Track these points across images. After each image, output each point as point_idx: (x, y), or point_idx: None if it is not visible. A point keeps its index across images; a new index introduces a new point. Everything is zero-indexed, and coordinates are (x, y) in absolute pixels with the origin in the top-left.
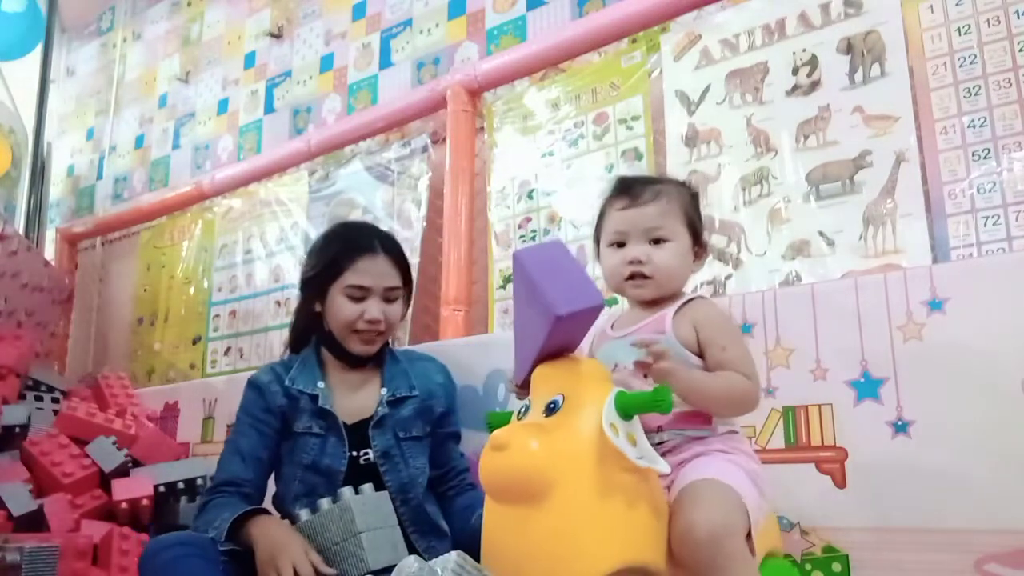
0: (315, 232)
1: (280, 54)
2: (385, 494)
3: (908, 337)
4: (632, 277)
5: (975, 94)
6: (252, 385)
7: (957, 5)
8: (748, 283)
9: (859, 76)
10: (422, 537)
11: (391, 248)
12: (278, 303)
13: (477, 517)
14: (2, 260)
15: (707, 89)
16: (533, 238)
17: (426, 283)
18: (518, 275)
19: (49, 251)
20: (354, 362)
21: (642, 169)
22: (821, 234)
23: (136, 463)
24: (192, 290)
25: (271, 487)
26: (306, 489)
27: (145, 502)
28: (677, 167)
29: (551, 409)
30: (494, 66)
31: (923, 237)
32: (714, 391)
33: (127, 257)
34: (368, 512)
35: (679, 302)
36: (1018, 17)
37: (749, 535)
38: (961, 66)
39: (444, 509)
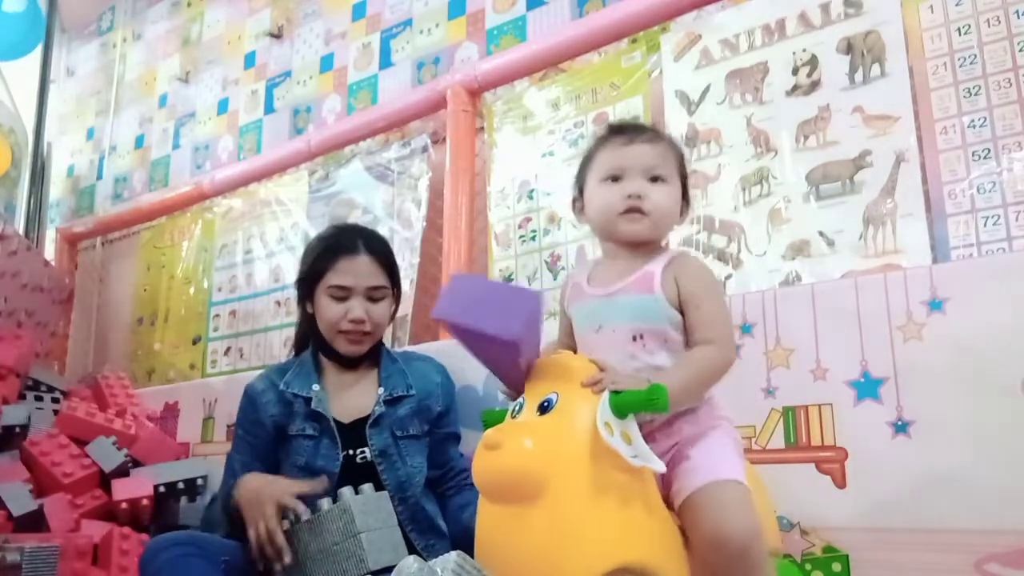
0: (315, 232)
1: (280, 54)
2: (385, 494)
3: (908, 337)
4: (629, 211)
5: (975, 94)
6: (246, 395)
7: (957, 5)
8: (748, 283)
9: (859, 76)
10: (420, 536)
11: (375, 248)
12: (278, 303)
13: (470, 515)
14: (2, 260)
15: (707, 89)
16: (533, 238)
17: (426, 283)
18: (452, 331)
19: (49, 251)
20: (348, 362)
21: None
22: (821, 234)
23: (136, 463)
24: (192, 290)
25: None
26: (278, 479)
27: (145, 502)
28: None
29: (545, 407)
30: (494, 66)
31: (923, 237)
32: (687, 385)
33: (127, 257)
34: (368, 512)
35: (666, 257)
36: (1018, 17)
37: None
38: (961, 66)
39: (442, 508)
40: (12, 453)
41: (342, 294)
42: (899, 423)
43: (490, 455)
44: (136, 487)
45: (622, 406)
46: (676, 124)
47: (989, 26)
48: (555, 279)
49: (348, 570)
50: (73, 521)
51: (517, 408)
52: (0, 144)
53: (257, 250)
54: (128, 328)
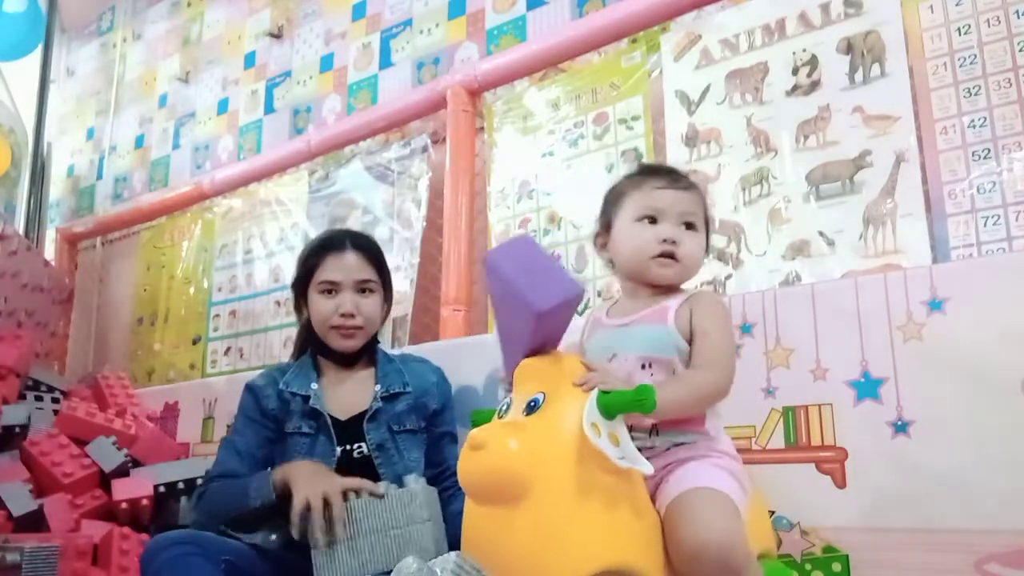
0: (315, 232)
1: (280, 54)
2: (434, 490)
3: (908, 337)
4: (662, 255)
5: (975, 94)
6: (248, 389)
7: (957, 5)
8: (748, 283)
9: (859, 76)
10: None
11: (362, 244)
12: (278, 303)
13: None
14: (2, 260)
15: (707, 89)
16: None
17: (426, 283)
18: (492, 277)
19: (49, 251)
20: (345, 361)
21: None
22: (821, 234)
23: (136, 463)
24: (192, 290)
25: None
26: (327, 469)
27: (145, 502)
28: (677, 167)
29: (531, 407)
30: (494, 66)
31: (923, 237)
32: (677, 398)
33: (127, 257)
34: (431, 503)
35: (684, 295)
36: (1018, 17)
37: None
38: (961, 66)
39: (442, 510)
40: (12, 453)
41: (332, 289)
42: (899, 423)
43: (475, 455)
44: (136, 487)
45: (610, 407)
46: (676, 124)
47: (989, 26)
48: None
49: (401, 556)
50: (73, 521)
51: (505, 408)
52: (0, 144)
53: (257, 250)
54: (128, 328)
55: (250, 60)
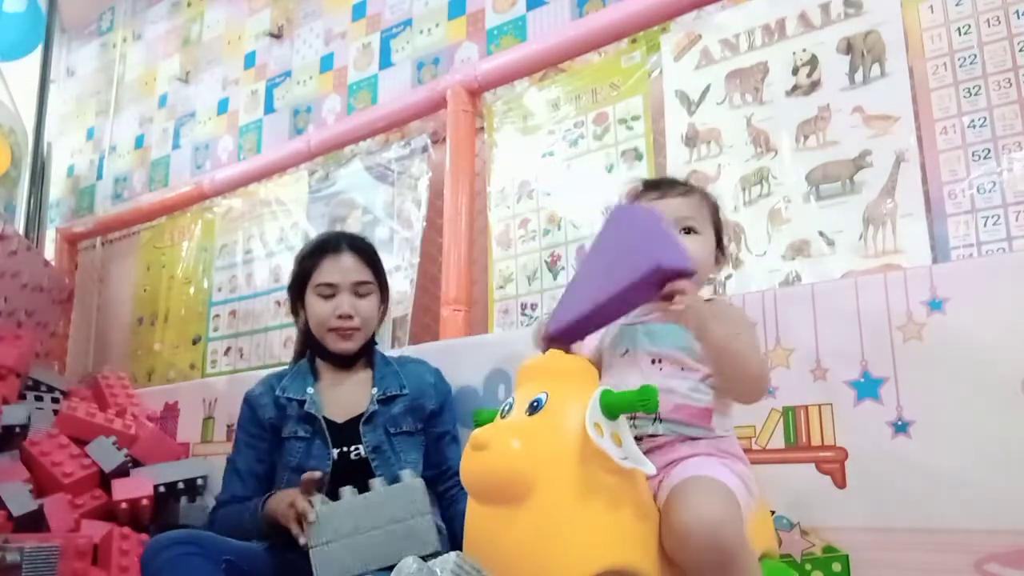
0: (315, 232)
1: (280, 54)
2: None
3: (908, 337)
4: None
5: (975, 94)
6: (245, 401)
7: (957, 5)
8: (748, 283)
9: (859, 76)
10: None
11: (358, 246)
12: (278, 303)
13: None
14: (2, 260)
15: (707, 89)
16: (533, 238)
17: (426, 283)
18: (616, 225)
19: (49, 251)
20: (341, 363)
21: (642, 169)
22: (821, 234)
23: (136, 463)
24: (192, 290)
25: None
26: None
27: (145, 502)
28: (677, 167)
29: (534, 407)
30: (494, 66)
31: (923, 237)
32: (737, 344)
33: (127, 257)
34: (429, 496)
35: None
36: (1018, 17)
37: None
38: (961, 66)
39: (444, 511)
40: (12, 453)
41: (329, 291)
42: (899, 423)
43: (477, 455)
44: (136, 487)
45: (612, 407)
46: (676, 124)
47: (989, 26)
48: (555, 279)
49: (408, 549)
50: (73, 521)
51: (507, 407)
52: (0, 144)
53: (257, 250)
54: (128, 328)
55: (250, 60)
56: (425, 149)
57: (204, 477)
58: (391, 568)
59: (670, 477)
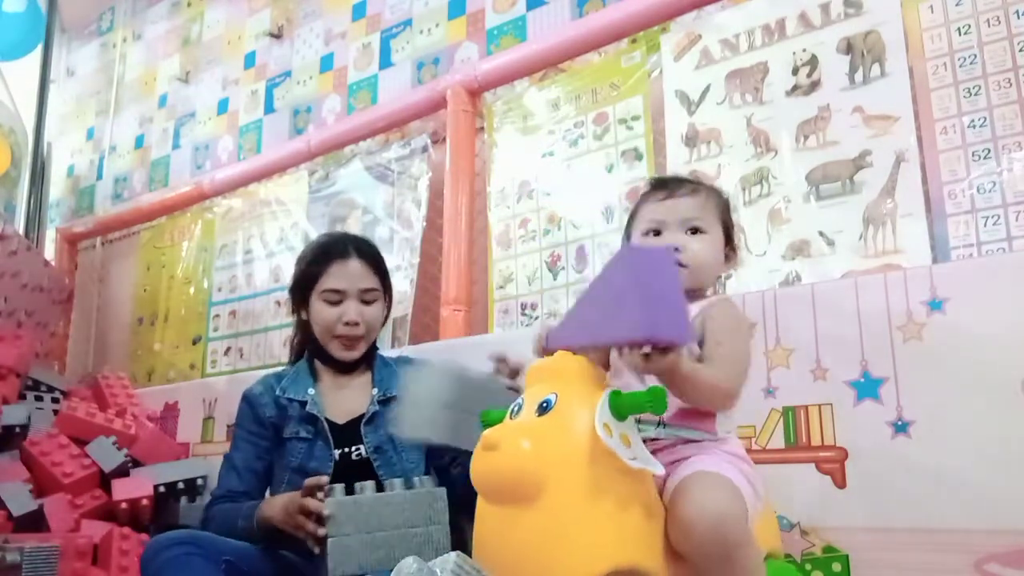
0: (315, 232)
1: (280, 54)
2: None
3: (908, 337)
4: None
5: (975, 94)
6: (245, 399)
7: (957, 5)
8: (748, 283)
9: (859, 76)
10: None
11: (365, 252)
12: (278, 303)
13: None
14: (2, 260)
15: (707, 89)
16: (533, 238)
17: (426, 283)
18: (633, 268)
19: (49, 251)
20: (343, 367)
21: (642, 169)
22: (821, 234)
23: (136, 463)
24: (192, 290)
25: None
26: (292, 490)
27: (145, 502)
28: (677, 167)
29: (544, 408)
30: (494, 66)
31: (923, 237)
32: (700, 384)
33: (127, 257)
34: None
35: (706, 302)
36: (1018, 17)
37: None
38: (961, 66)
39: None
40: (12, 453)
41: (336, 298)
42: (899, 423)
43: (488, 456)
44: (136, 487)
45: (621, 407)
46: (676, 124)
47: (989, 26)
48: (555, 279)
49: (422, 554)
50: (73, 521)
51: (516, 408)
52: (0, 144)
53: (257, 250)
54: (128, 328)
55: (250, 60)
56: (425, 149)
57: (204, 477)
58: (409, 482)
59: (676, 474)
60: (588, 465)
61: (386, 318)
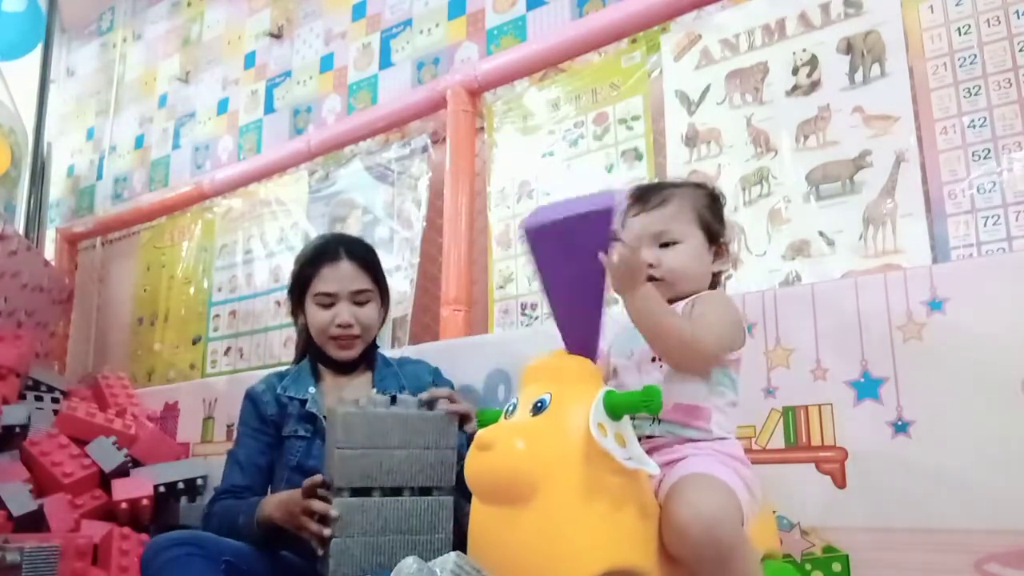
0: (315, 232)
1: (280, 54)
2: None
3: (908, 337)
4: (649, 280)
5: (975, 94)
6: (248, 397)
7: (957, 5)
8: (748, 283)
9: (859, 76)
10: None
11: (357, 253)
12: (278, 303)
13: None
14: (2, 260)
15: (707, 89)
16: None
17: (426, 283)
18: (544, 241)
19: (49, 251)
20: (343, 367)
21: (642, 169)
22: (821, 234)
23: (136, 463)
24: (192, 290)
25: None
26: (291, 489)
27: (145, 502)
28: (677, 167)
29: (538, 408)
30: (494, 66)
31: (923, 237)
32: (651, 311)
33: (127, 257)
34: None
35: (694, 297)
36: (1018, 17)
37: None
38: (961, 66)
39: None
40: (12, 453)
41: (328, 300)
42: (899, 423)
43: (482, 456)
44: (136, 487)
45: (616, 407)
46: (676, 124)
47: (989, 26)
48: None
49: (435, 476)
50: (73, 521)
51: (511, 408)
52: (0, 144)
53: (257, 250)
54: (128, 328)
55: (250, 60)
56: (425, 149)
57: (204, 477)
58: (417, 489)
59: (671, 475)
60: (582, 465)
61: (384, 317)
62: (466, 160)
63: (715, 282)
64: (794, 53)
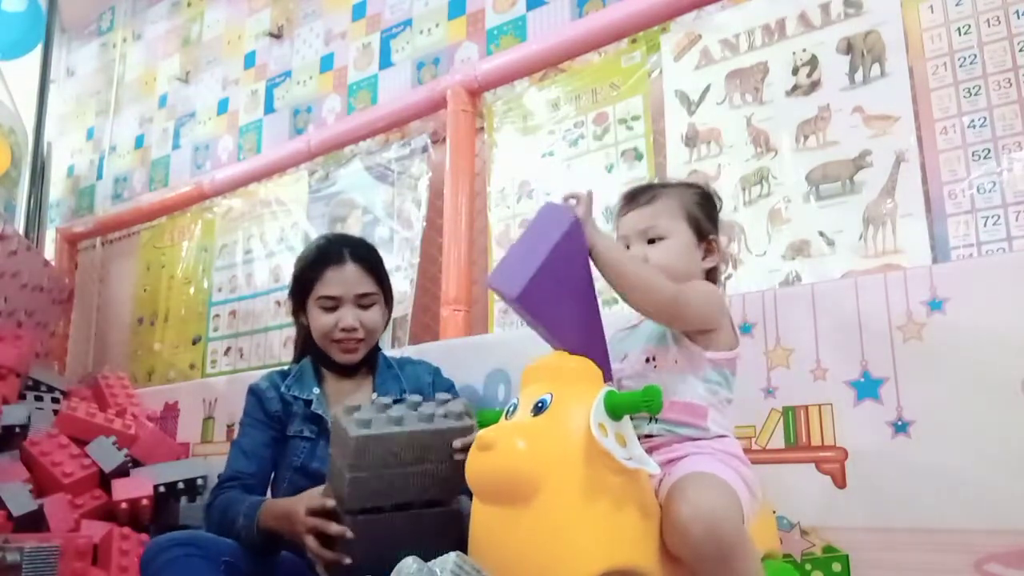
0: (315, 232)
1: (280, 54)
2: None
3: (908, 337)
4: None
5: (975, 94)
6: (252, 391)
7: (957, 5)
8: (748, 283)
9: (859, 76)
10: None
11: (361, 256)
12: (278, 303)
13: None
14: (2, 260)
15: (707, 89)
16: None
17: (426, 283)
18: (538, 218)
19: (49, 251)
20: (345, 370)
21: (642, 169)
22: (821, 234)
23: (136, 463)
24: (192, 290)
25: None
26: (294, 491)
27: (145, 502)
28: (677, 167)
29: (539, 408)
30: (494, 66)
31: (923, 237)
32: (628, 266)
33: (127, 257)
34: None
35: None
36: (1018, 17)
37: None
38: (961, 66)
39: None
40: (12, 453)
41: (332, 304)
42: (899, 423)
43: (483, 456)
44: (136, 487)
45: (617, 407)
46: (676, 124)
47: (989, 26)
48: None
49: (445, 421)
50: (73, 521)
51: (512, 408)
52: (0, 144)
53: (257, 250)
54: (128, 328)
55: (250, 60)
56: (425, 149)
57: (204, 477)
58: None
59: (671, 474)
60: (583, 465)
61: (388, 318)
62: (466, 160)
63: (712, 280)
64: (794, 53)
